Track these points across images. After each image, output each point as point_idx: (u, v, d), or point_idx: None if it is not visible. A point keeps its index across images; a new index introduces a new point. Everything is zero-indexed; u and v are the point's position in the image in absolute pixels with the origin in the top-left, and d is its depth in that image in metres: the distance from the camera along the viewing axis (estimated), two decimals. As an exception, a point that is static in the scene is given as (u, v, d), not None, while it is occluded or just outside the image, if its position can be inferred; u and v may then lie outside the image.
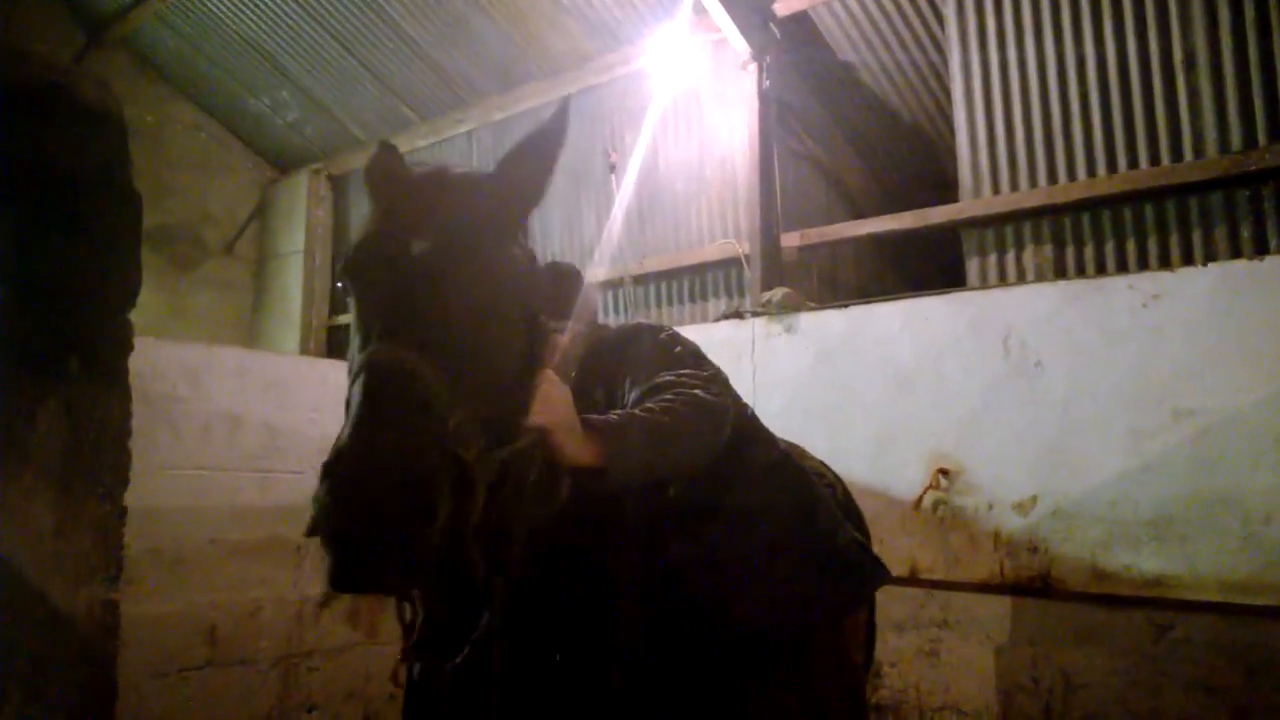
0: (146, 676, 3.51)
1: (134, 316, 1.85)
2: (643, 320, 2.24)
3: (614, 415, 1.71)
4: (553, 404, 1.58)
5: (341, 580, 1.28)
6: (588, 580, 1.84)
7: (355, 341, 1.51)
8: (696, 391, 1.81)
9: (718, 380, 1.97)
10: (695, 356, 2.03)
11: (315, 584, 3.84)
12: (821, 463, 2.93)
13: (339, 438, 1.31)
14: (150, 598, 3.47)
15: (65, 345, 1.54)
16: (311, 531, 1.28)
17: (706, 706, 1.88)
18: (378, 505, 1.25)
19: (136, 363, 1.76)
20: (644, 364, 1.96)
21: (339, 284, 1.58)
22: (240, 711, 3.83)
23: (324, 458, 1.30)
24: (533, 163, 1.71)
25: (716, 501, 1.97)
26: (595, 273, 6.77)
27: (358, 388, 1.34)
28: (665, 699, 1.83)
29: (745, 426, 2.13)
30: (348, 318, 1.59)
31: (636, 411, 1.74)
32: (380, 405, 1.31)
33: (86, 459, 1.54)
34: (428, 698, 1.90)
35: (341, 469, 1.26)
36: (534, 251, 1.76)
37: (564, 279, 2.30)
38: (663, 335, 2.06)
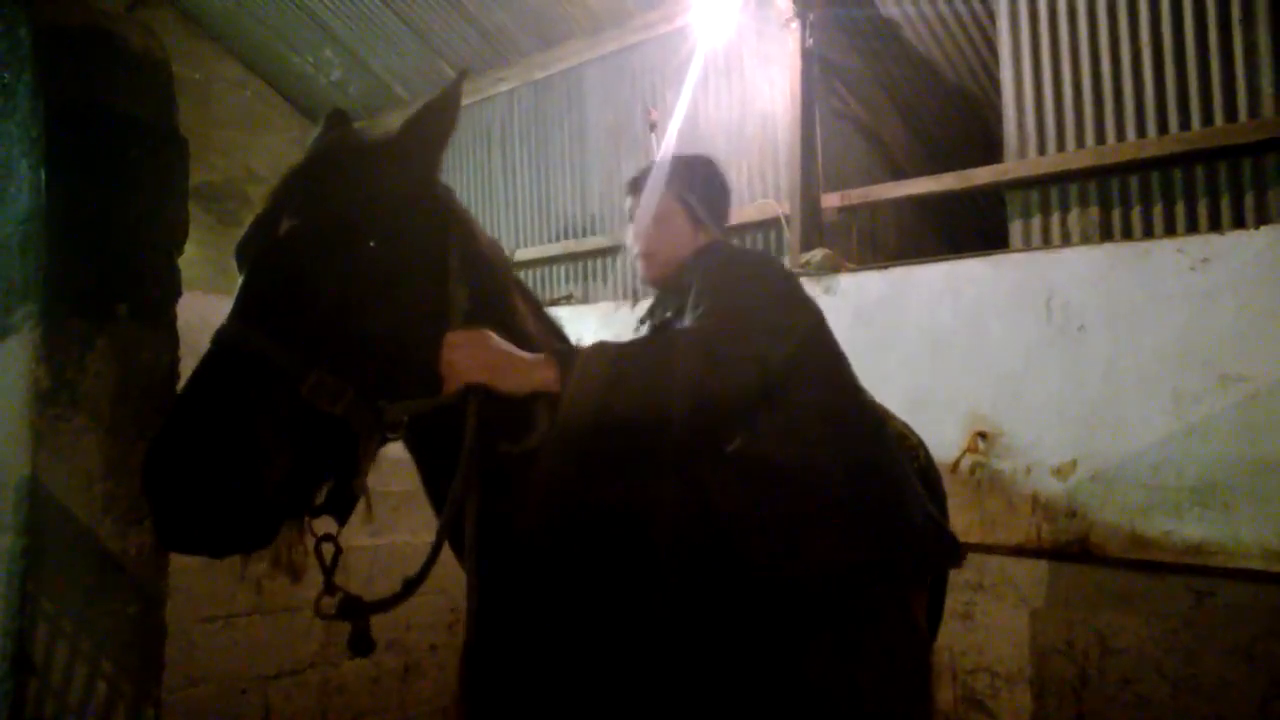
0: (195, 621, 3.61)
1: (182, 272, 1.89)
2: (751, 249, 2.26)
3: (587, 344, 1.78)
4: (467, 358, 1.65)
5: (166, 538, 1.39)
6: (625, 535, 1.81)
7: None
8: (712, 332, 1.80)
9: (769, 326, 1.88)
10: (769, 295, 1.99)
11: (358, 535, 3.92)
12: (905, 425, 2.89)
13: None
14: (198, 545, 3.55)
15: (114, 289, 1.59)
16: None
17: (772, 671, 1.82)
18: (189, 468, 1.34)
19: (184, 316, 1.80)
20: (707, 293, 1.96)
21: None
22: (285, 657, 3.93)
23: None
24: (424, 134, 1.75)
25: (777, 454, 1.90)
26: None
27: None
28: (719, 660, 1.78)
29: (824, 377, 2.06)
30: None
31: (614, 340, 1.80)
32: (203, 379, 1.41)
33: (135, 402, 1.58)
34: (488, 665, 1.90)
35: (155, 438, 1.37)
36: (456, 215, 1.81)
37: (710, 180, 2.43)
38: (750, 269, 2.08)
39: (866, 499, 1.96)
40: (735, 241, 2.47)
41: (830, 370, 2.11)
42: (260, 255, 1.56)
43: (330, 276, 1.51)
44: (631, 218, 2.41)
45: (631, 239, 2.38)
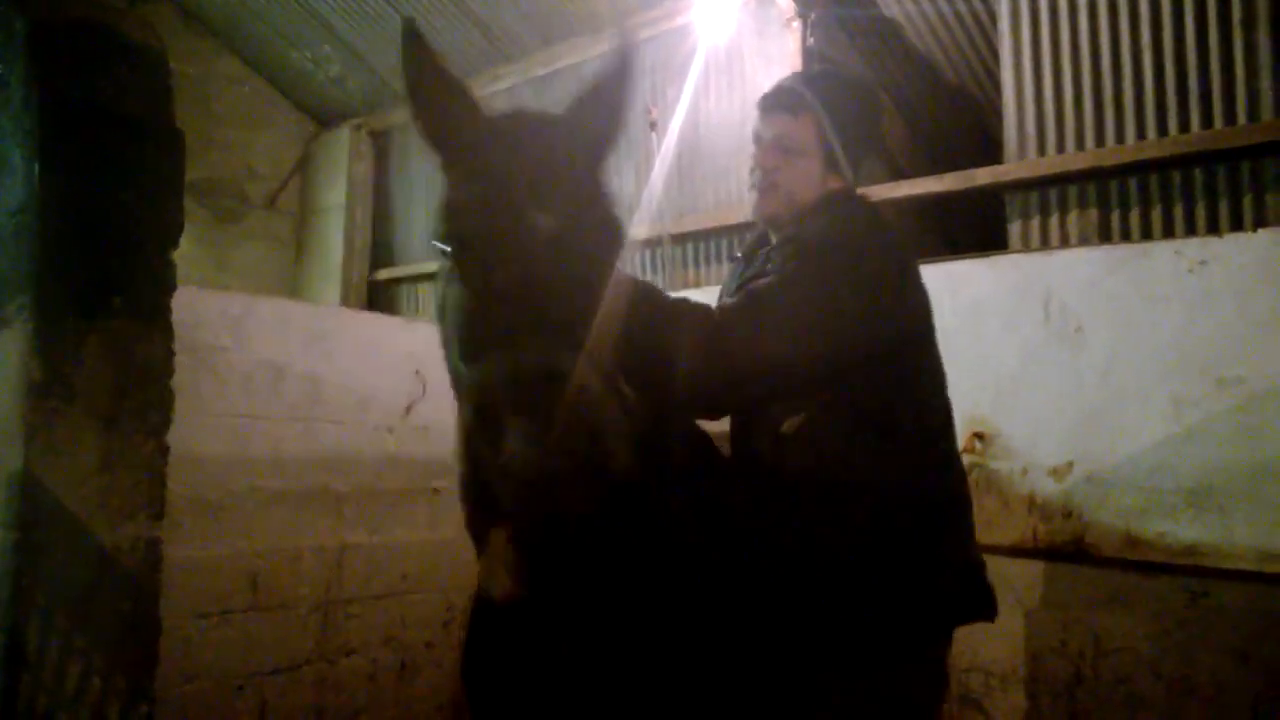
0: (190, 617, 3.60)
1: (179, 268, 1.88)
2: (878, 225, 2.00)
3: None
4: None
5: (532, 584, 1.33)
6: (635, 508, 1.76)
7: (476, 324, 1.35)
8: (749, 307, 1.72)
9: (830, 347, 1.73)
10: (859, 301, 1.77)
11: (356, 533, 3.90)
12: None
13: (511, 450, 1.23)
14: (194, 541, 3.55)
15: (109, 283, 1.58)
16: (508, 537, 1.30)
17: (782, 689, 1.80)
18: (558, 524, 1.23)
19: (180, 312, 1.80)
20: (800, 255, 1.82)
21: (442, 248, 1.42)
22: (280, 653, 3.92)
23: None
24: (607, 104, 1.56)
25: (826, 454, 1.83)
26: (634, 230, 6.76)
27: (518, 396, 1.24)
28: (732, 663, 1.75)
29: (888, 398, 1.89)
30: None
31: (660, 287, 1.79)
32: (550, 420, 1.20)
33: (130, 396, 1.58)
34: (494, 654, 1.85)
35: (525, 494, 1.21)
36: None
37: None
38: (859, 259, 1.84)
39: (902, 538, 1.88)
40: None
41: (897, 393, 1.93)
42: (527, 257, 1.31)
43: (598, 282, 1.36)
44: (756, 140, 2.09)
45: (752, 163, 2.09)
